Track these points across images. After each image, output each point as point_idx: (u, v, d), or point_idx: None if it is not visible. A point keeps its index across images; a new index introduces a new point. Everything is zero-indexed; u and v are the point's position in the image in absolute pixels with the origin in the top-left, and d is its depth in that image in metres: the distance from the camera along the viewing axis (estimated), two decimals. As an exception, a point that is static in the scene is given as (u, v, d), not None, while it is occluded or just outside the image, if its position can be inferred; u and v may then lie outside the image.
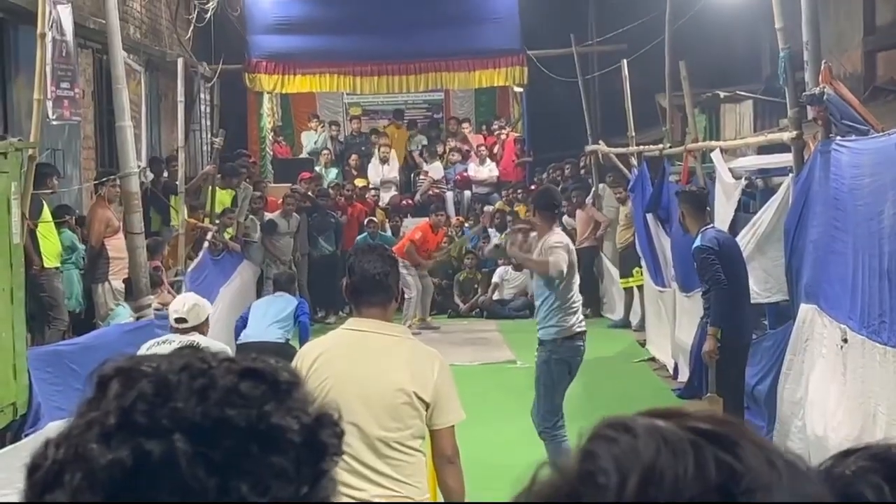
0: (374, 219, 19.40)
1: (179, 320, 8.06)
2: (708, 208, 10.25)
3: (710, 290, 9.27)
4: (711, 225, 9.82)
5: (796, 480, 1.02)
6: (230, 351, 7.89)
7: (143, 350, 7.76)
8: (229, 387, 1.18)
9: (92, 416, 1.16)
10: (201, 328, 8.10)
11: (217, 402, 1.16)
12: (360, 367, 4.75)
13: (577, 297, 9.07)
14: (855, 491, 1.20)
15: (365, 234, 18.52)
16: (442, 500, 5.03)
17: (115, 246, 12.92)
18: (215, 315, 13.86)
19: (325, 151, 22.83)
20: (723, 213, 11.56)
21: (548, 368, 8.94)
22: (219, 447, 1.13)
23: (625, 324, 17.14)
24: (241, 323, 11.88)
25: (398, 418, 4.73)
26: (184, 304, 8.21)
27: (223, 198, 17.61)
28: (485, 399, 11.87)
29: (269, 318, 11.69)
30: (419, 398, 4.74)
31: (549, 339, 8.94)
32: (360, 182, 21.55)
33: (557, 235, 9.14)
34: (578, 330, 8.97)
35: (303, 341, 11.61)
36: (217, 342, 8.14)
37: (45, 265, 11.55)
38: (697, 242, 9.42)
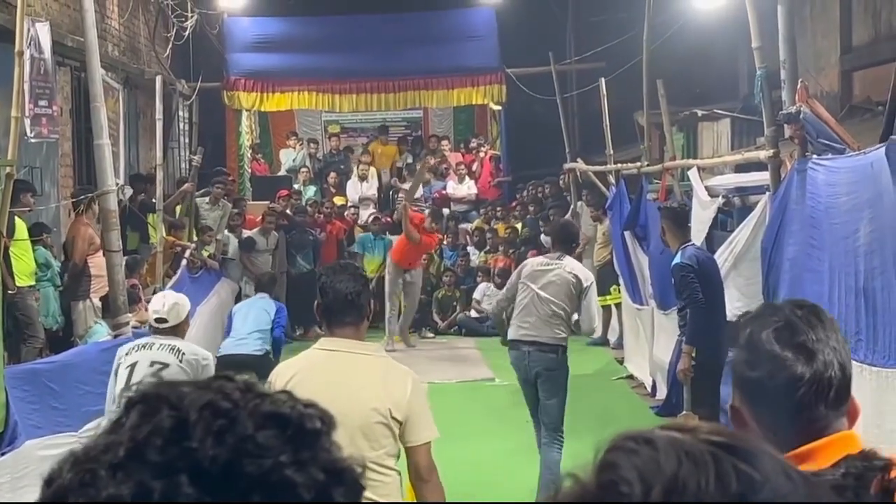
0: (379, 216, 19.71)
1: (160, 320, 7.85)
2: (689, 224, 10.30)
3: (687, 307, 9.33)
4: (692, 242, 9.86)
5: (811, 490, 1.05)
6: (211, 358, 7.90)
7: (122, 354, 7.72)
8: (248, 433, 1.14)
9: (111, 439, 1.14)
10: (181, 327, 7.98)
11: (232, 448, 1.12)
12: (333, 387, 4.76)
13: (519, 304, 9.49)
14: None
15: (367, 234, 18.56)
16: None
17: (97, 264, 12.89)
18: (193, 333, 13.85)
19: (304, 169, 22.81)
20: (698, 230, 11.61)
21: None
22: (224, 495, 1.10)
23: (603, 341, 17.14)
24: (228, 330, 12.15)
25: (372, 438, 4.73)
26: (163, 303, 8.00)
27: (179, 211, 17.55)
28: (463, 417, 11.86)
29: (249, 325, 11.87)
30: (392, 417, 4.76)
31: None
32: (338, 200, 21.54)
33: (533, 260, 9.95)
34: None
35: (275, 354, 11.71)
36: (197, 347, 8.06)
37: (18, 283, 11.52)
38: (677, 259, 9.47)
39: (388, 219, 21.38)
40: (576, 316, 9.46)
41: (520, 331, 9.31)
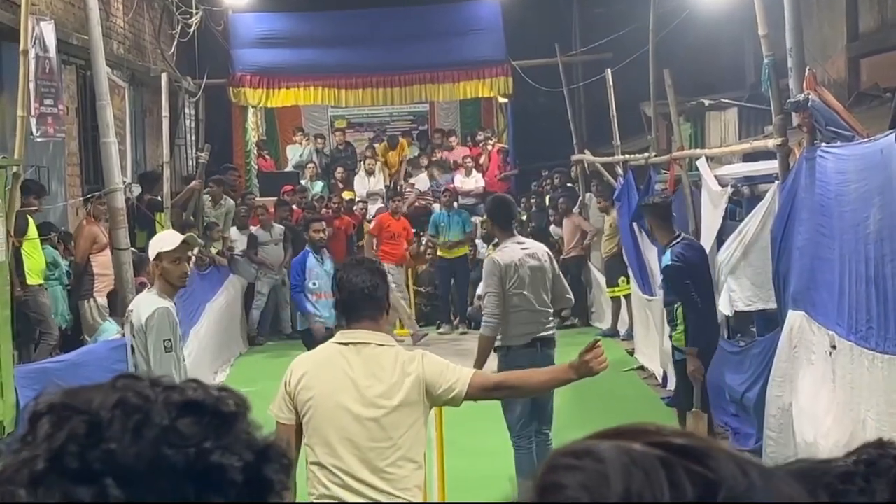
0: (429, 197, 19.79)
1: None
2: (674, 215, 10.31)
3: (678, 304, 9.43)
4: (680, 235, 9.87)
5: (771, 482, 1.00)
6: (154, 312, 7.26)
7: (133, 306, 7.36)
8: (166, 424, 1.11)
9: (24, 455, 1.10)
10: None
11: (152, 442, 1.09)
12: (350, 381, 4.81)
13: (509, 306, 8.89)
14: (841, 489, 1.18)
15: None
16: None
17: (101, 262, 12.91)
18: (201, 330, 13.90)
19: (311, 164, 22.83)
20: (710, 221, 11.58)
21: None
22: (154, 490, 1.07)
23: (613, 333, 17.12)
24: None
25: (389, 428, 4.76)
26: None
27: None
28: (474, 411, 11.83)
29: None
30: (409, 401, 4.81)
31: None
32: (346, 195, 21.54)
33: (498, 253, 9.13)
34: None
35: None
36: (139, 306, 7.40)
37: (29, 282, 11.53)
38: (666, 260, 9.55)
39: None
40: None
41: (527, 328, 8.79)
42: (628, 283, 15.97)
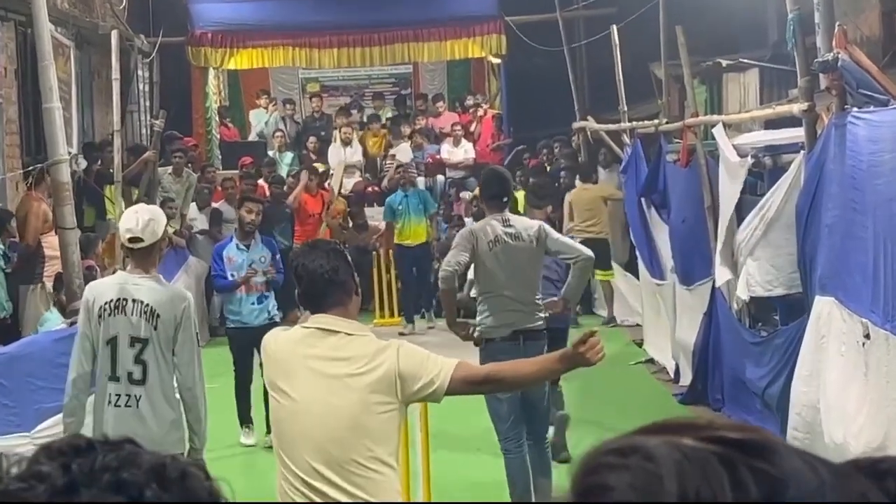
0: (413, 170, 19.51)
1: (134, 239, 7.23)
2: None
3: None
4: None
5: (843, 479, 0.99)
6: (190, 297, 7.59)
7: (94, 305, 7.26)
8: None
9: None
10: (156, 249, 7.40)
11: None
12: (317, 378, 4.80)
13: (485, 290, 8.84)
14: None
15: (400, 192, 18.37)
16: None
17: (52, 243, 12.82)
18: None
19: (279, 133, 22.66)
20: (727, 195, 11.58)
21: None
22: None
23: (610, 320, 17.24)
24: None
25: (358, 427, 4.75)
26: (137, 219, 7.29)
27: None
28: (467, 406, 11.85)
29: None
30: (382, 396, 4.79)
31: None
32: (319, 167, 21.44)
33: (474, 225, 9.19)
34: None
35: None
36: (168, 289, 7.52)
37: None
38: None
39: (376, 188, 21.30)
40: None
41: (507, 317, 8.64)
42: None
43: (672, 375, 13.43)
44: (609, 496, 0.96)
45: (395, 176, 20.31)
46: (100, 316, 7.21)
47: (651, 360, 14.62)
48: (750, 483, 0.95)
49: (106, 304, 7.23)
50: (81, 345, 7.24)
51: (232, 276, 11.80)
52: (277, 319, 11.64)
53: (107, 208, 15.83)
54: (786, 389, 9.52)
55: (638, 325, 16.09)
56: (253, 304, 11.69)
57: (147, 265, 7.30)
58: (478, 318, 8.78)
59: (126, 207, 15.14)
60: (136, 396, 7.16)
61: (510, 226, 8.75)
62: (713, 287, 11.82)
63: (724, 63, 18.30)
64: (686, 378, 12.70)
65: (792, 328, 9.88)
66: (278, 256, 12.06)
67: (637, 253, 15.57)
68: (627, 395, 12.65)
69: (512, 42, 22.49)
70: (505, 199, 9.01)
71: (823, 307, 8.81)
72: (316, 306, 5.03)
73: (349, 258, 5.19)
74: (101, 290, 7.34)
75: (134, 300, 7.23)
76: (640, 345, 15.50)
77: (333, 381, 4.79)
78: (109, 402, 7.19)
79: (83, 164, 16.69)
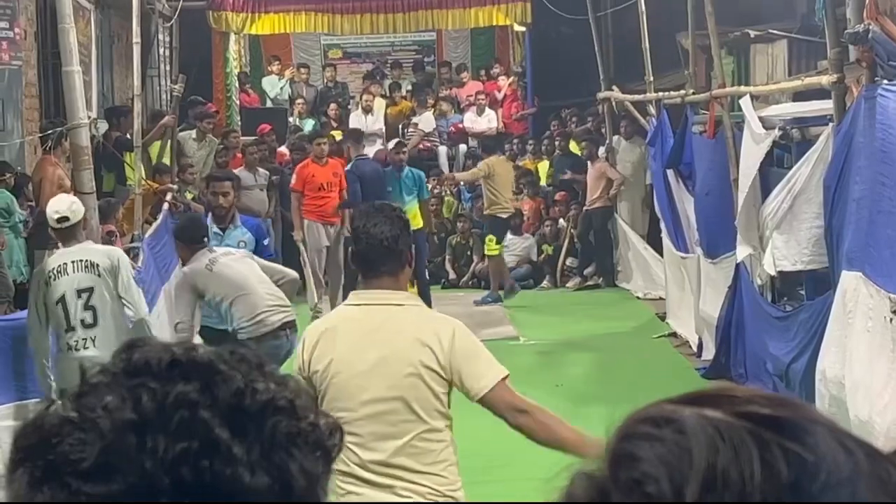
0: (405, 151, 17.91)
1: (62, 219, 8.57)
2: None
3: None
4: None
5: (878, 465, 0.97)
6: (119, 251, 9.13)
7: (41, 280, 8.62)
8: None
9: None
10: (80, 226, 8.69)
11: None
12: (365, 348, 4.78)
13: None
14: None
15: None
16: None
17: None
18: (172, 290, 13.82)
19: (300, 100, 22.70)
20: (748, 167, 11.54)
21: None
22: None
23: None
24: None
25: (411, 399, 4.73)
26: (63, 204, 8.77)
27: (154, 150, 17.13)
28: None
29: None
30: (432, 370, 4.74)
31: None
32: (338, 134, 21.40)
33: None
34: None
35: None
36: (99, 247, 9.07)
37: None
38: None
39: (401, 156, 21.19)
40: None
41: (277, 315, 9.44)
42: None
43: (695, 349, 13.43)
44: (637, 468, 0.95)
45: (418, 145, 20.23)
46: (46, 283, 8.45)
47: (674, 334, 14.61)
48: (781, 464, 0.94)
49: (49, 272, 8.52)
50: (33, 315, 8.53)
51: None
52: None
53: (126, 174, 15.81)
54: (810, 366, 9.50)
55: (661, 298, 16.06)
56: None
57: (76, 239, 8.64)
58: None
59: (145, 172, 15.24)
60: (91, 338, 8.33)
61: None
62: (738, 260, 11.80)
63: (753, 34, 18.20)
64: (709, 352, 12.68)
65: (818, 303, 9.86)
66: (267, 241, 11.58)
67: (662, 226, 15.55)
68: (650, 369, 12.65)
69: (537, 10, 22.37)
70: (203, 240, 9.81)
71: (850, 282, 8.78)
72: (367, 270, 5.03)
73: (410, 226, 5.21)
74: (46, 264, 8.79)
75: (73, 262, 8.49)
76: (663, 318, 15.49)
77: (382, 351, 4.78)
78: (70, 349, 8.35)
79: (102, 128, 16.68)
